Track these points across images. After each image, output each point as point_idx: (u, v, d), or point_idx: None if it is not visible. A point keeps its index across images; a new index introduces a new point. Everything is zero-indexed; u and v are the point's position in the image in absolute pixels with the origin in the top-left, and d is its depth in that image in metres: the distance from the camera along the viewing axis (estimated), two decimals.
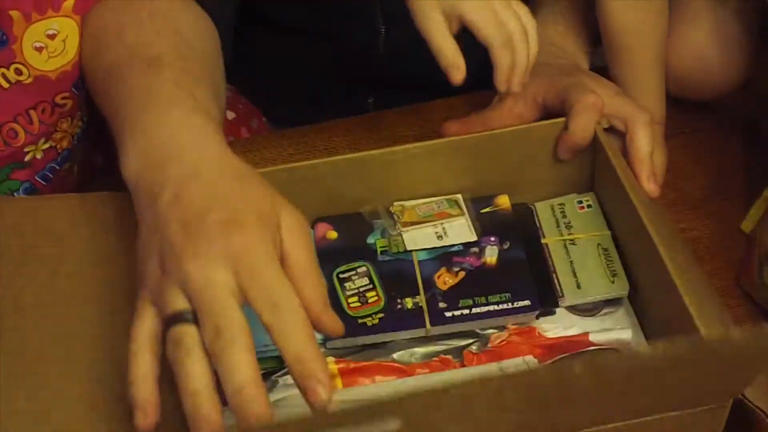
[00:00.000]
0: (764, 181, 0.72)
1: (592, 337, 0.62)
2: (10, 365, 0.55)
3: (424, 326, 0.64)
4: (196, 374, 0.46)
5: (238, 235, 0.48)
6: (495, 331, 0.64)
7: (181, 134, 0.55)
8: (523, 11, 0.67)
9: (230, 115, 0.91)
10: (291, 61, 0.93)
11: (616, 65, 0.76)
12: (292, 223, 0.52)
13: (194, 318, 0.47)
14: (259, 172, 0.67)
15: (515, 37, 0.66)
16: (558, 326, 0.64)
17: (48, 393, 0.54)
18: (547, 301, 0.66)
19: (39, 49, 0.62)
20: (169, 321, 0.48)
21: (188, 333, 0.47)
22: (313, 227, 0.70)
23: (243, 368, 0.45)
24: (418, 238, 0.69)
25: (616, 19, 0.74)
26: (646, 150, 0.68)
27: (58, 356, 0.56)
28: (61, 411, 0.53)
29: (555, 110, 0.71)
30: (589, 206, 0.71)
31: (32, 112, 0.65)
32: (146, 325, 0.49)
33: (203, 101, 0.58)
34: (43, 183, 0.72)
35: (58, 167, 0.71)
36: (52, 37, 0.62)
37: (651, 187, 0.68)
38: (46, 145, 0.68)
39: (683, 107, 0.80)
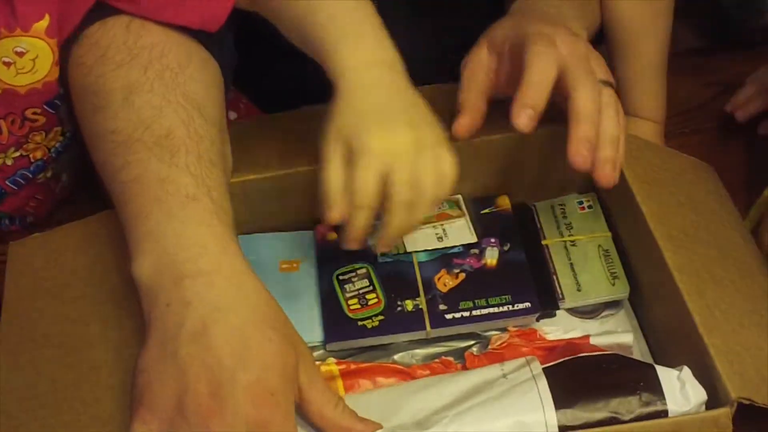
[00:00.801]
0: (764, 181, 0.72)
1: (593, 340, 0.61)
2: (27, 399, 0.56)
3: (425, 329, 0.64)
4: None
5: (266, 408, 0.50)
6: (496, 333, 0.64)
7: (200, 244, 0.53)
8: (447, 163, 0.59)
9: (232, 115, 0.90)
10: (294, 86, 0.92)
11: (618, 62, 0.75)
12: (309, 365, 0.53)
13: None
14: (258, 179, 0.68)
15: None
16: (559, 329, 0.64)
17: (64, 421, 0.55)
18: (547, 303, 0.66)
19: (7, 64, 0.61)
20: None
21: None
22: (314, 228, 0.70)
23: None
24: (418, 240, 0.68)
25: (621, 15, 0.73)
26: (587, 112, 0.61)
27: (68, 383, 0.56)
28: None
29: (516, 60, 0.65)
30: (590, 207, 0.71)
31: (1, 122, 0.64)
32: None
33: (219, 199, 0.56)
34: (14, 187, 0.70)
35: (31, 175, 0.70)
36: (20, 54, 0.60)
37: (577, 160, 0.60)
38: (17, 154, 0.67)
39: (683, 107, 0.80)
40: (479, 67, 0.67)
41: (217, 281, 0.52)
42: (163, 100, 0.59)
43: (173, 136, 0.57)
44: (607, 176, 0.61)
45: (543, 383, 0.56)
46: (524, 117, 0.60)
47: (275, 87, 0.93)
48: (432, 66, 0.70)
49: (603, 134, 0.61)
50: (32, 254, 0.64)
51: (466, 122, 0.67)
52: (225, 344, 0.50)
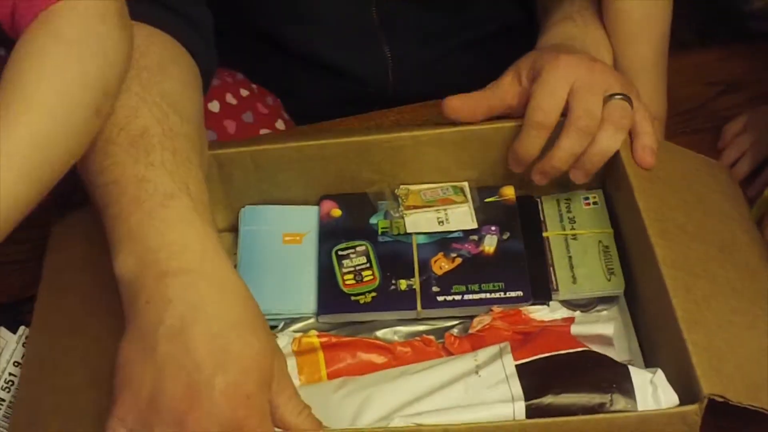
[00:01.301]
0: (764, 181, 0.70)
1: (574, 329, 0.61)
2: (47, 367, 0.59)
3: (416, 308, 0.65)
4: None
5: (243, 409, 0.49)
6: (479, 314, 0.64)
7: (181, 242, 0.53)
8: None
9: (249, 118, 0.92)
10: (304, 92, 0.94)
11: (618, 56, 0.75)
12: (281, 369, 0.53)
13: None
14: (269, 149, 0.70)
15: None
16: (546, 310, 0.64)
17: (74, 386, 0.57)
18: (540, 293, 0.65)
19: None
20: None
21: None
22: (319, 204, 0.72)
23: None
24: (420, 222, 0.69)
25: (619, 13, 0.73)
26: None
27: (89, 352, 0.59)
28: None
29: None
30: (595, 203, 0.70)
31: None
32: None
33: (198, 194, 0.56)
34: None
35: None
36: None
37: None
38: None
39: (683, 107, 0.79)
40: (497, 87, 0.70)
41: (199, 281, 0.52)
42: (139, 100, 0.59)
43: (148, 134, 0.57)
44: (578, 178, 0.67)
45: (515, 383, 0.56)
46: (518, 167, 0.68)
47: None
48: None
49: (593, 145, 0.65)
50: (70, 232, 0.66)
51: (456, 103, 0.69)
52: (203, 345, 0.50)
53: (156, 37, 0.64)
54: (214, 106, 0.87)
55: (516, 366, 0.57)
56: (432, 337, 0.63)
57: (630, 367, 0.57)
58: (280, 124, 0.92)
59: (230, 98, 0.89)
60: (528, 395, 0.55)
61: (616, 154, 0.67)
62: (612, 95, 0.66)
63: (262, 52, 0.91)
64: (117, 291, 0.54)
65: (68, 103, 0.54)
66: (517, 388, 0.55)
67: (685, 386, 0.55)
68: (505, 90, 0.69)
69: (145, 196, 0.55)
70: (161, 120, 0.58)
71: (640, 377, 0.56)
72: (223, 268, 0.54)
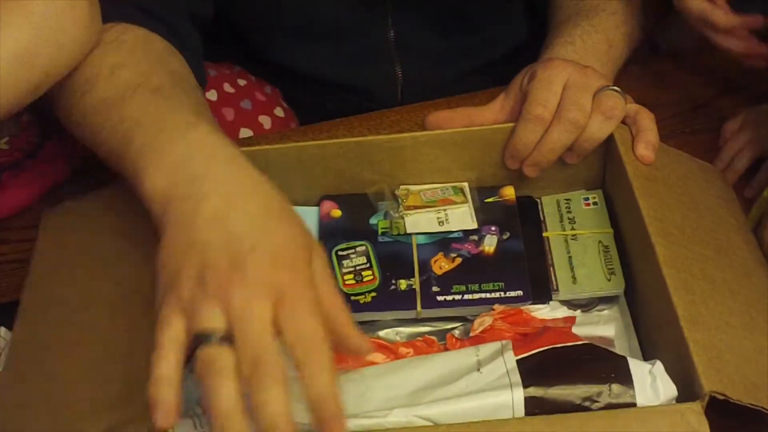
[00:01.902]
0: (766, 183, 0.70)
1: (575, 330, 0.61)
2: (33, 353, 0.58)
3: (415, 308, 0.65)
4: (228, 396, 0.47)
5: (286, 272, 0.50)
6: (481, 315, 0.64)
7: (210, 151, 0.55)
8: None
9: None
10: (310, 104, 0.95)
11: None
12: (320, 259, 0.53)
13: (226, 340, 0.48)
14: (269, 149, 0.70)
15: None
16: (546, 308, 0.64)
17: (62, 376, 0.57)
18: (540, 293, 0.65)
19: None
20: (201, 337, 0.49)
21: (222, 355, 0.48)
22: (319, 204, 0.72)
23: (276, 403, 0.47)
24: (420, 222, 0.69)
25: None
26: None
27: (74, 340, 0.58)
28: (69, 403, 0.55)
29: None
30: (595, 203, 0.70)
31: None
32: (174, 333, 0.50)
33: (215, 126, 0.60)
34: None
35: None
36: None
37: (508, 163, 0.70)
38: None
39: (683, 107, 0.80)
40: (486, 107, 0.72)
41: (232, 179, 0.54)
42: (150, 69, 0.62)
43: (164, 88, 0.61)
44: (570, 159, 0.69)
45: (515, 374, 0.56)
46: (514, 163, 0.70)
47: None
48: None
49: (583, 133, 0.67)
50: (62, 220, 0.66)
51: (438, 116, 0.72)
52: (242, 225, 0.51)
53: (153, 35, 0.67)
54: (212, 95, 0.88)
55: (516, 360, 0.57)
56: (434, 338, 0.63)
57: (629, 359, 0.57)
58: (279, 112, 0.92)
59: (228, 87, 0.89)
60: (526, 383, 0.55)
61: (617, 154, 0.67)
62: (603, 87, 0.67)
63: (268, 69, 0.91)
64: (109, 278, 0.57)
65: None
66: (516, 377, 0.56)
67: (686, 384, 0.55)
68: (493, 109, 0.72)
69: (169, 126, 0.57)
70: (173, 82, 0.62)
71: (639, 368, 0.56)
72: (252, 171, 0.55)
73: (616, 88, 0.68)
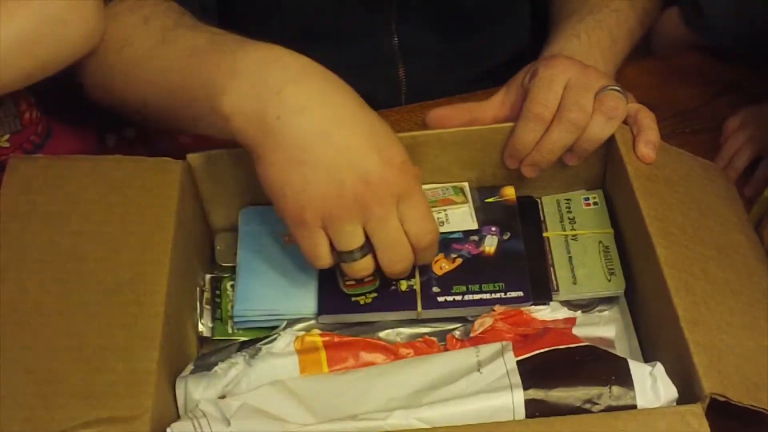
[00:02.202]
0: (764, 181, 0.70)
1: (575, 331, 0.61)
2: (7, 315, 0.57)
3: (416, 309, 0.65)
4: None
5: (402, 176, 0.57)
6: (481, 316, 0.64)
7: (282, 62, 0.58)
8: None
9: None
10: None
11: None
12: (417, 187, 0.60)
13: (366, 250, 0.59)
14: None
15: None
16: (547, 309, 0.64)
17: (40, 342, 0.56)
18: (541, 293, 0.65)
19: None
20: (347, 255, 0.59)
21: (366, 264, 0.60)
22: None
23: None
24: None
25: None
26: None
27: (54, 309, 0.58)
28: (51, 360, 0.56)
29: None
30: (595, 203, 0.70)
31: None
32: (325, 247, 0.59)
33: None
34: None
35: None
36: None
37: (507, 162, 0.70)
38: None
39: (683, 107, 0.79)
40: (487, 102, 0.72)
41: (320, 83, 0.58)
42: (180, 15, 0.67)
43: (200, 25, 0.65)
44: (570, 161, 0.68)
45: (515, 375, 0.56)
46: (513, 162, 0.69)
47: None
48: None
49: (584, 133, 0.66)
50: (34, 174, 0.64)
51: (438, 114, 0.71)
52: (351, 139, 0.56)
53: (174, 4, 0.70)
54: None
55: (517, 361, 0.57)
56: (435, 339, 0.63)
57: (629, 360, 0.57)
58: None
59: None
60: (527, 385, 0.55)
61: (617, 154, 0.67)
62: (604, 87, 0.67)
63: None
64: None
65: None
66: (516, 378, 0.56)
67: (686, 385, 0.55)
68: (493, 105, 0.71)
69: (228, 48, 0.60)
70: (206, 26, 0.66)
71: (640, 370, 0.56)
72: (332, 76, 0.59)
73: (617, 87, 0.67)
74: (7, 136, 0.71)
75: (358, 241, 0.58)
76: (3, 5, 0.61)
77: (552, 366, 0.56)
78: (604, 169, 0.72)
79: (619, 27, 0.79)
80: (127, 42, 0.66)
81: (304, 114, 0.56)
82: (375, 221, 0.57)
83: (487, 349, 0.58)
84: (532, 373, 0.56)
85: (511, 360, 0.57)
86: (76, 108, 0.77)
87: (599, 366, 0.56)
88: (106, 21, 0.67)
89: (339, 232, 0.57)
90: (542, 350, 0.57)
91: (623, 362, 0.56)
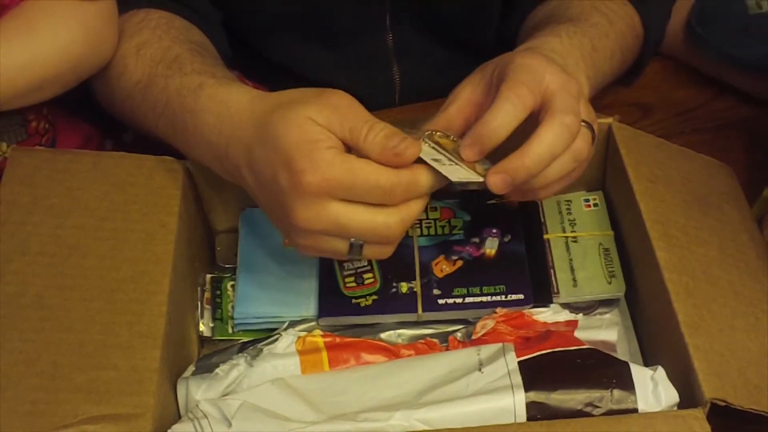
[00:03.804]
0: (765, 181, 0.70)
1: (577, 334, 0.61)
2: (8, 307, 0.57)
3: (416, 311, 0.65)
4: None
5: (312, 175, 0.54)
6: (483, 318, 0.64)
7: (216, 108, 0.61)
8: None
9: None
10: None
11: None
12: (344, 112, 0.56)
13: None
14: None
15: None
16: (548, 312, 0.64)
17: (41, 336, 0.56)
18: (541, 296, 0.65)
19: None
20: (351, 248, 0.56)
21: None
22: None
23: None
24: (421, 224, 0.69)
25: None
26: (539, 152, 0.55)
27: (55, 303, 0.58)
28: (53, 354, 0.56)
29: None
30: (595, 205, 0.70)
31: None
32: (330, 244, 0.56)
33: (224, 76, 0.65)
34: None
35: None
36: None
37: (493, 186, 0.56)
38: None
39: (683, 107, 0.79)
40: (453, 102, 0.61)
41: (236, 127, 0.59)
42: (171, 42, 0.68)
43: (181, 58, 0.67)
44: (526, 197, 0.60)
45: (516, 376, 0.56)
46: (470, 152, 0.57)
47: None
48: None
49: (547, 171, 0.57)
50: (36, 166, 0.64)
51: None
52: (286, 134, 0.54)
53: (177, 18, 0.73)
54: None
55: (518, 362, 0.57)
56: (436, 341, 0.63)
57: (631, 364, 0.57)
58: None
59: None
60: (528, 387, 0.55)
61: (617, 154, 0.67)
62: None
63: (265, 72, 0.91)
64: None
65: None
66: (517, 379, 0.56)
67: (687, 389, 0.55)
68: (463, 104, 0.61)
69: (186, 92, 0.63)
70: (192, 51, 0.68)
71: (641, 374, 0.56)
72: (269, 101, 0.58)
73: (588, 121, 0.58)
74: (12, 146, 0.71)
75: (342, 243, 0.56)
76: (54, 23, 0.65)
77: (553, 368, 0.56)
78: (604, 170, 0.72)
79: (600, 39, 0.73)
80: (124, 70, 0.70)
81: (228, 160, 0.59)
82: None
83: (489, 349, 0.58)
84: (534, 374, 0.56)
85: (512, 360, 0.57)
86: (76, 109, 0.78)
87: (601, 369, 0.56)
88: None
89: (318, 240, 0.56)
90: (544, 352, 0.57)
91: (625, 366, 0.56)
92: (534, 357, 0.57)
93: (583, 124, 0.58)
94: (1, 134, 0.71)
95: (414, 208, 0.56)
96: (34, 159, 0.65)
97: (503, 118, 0.55)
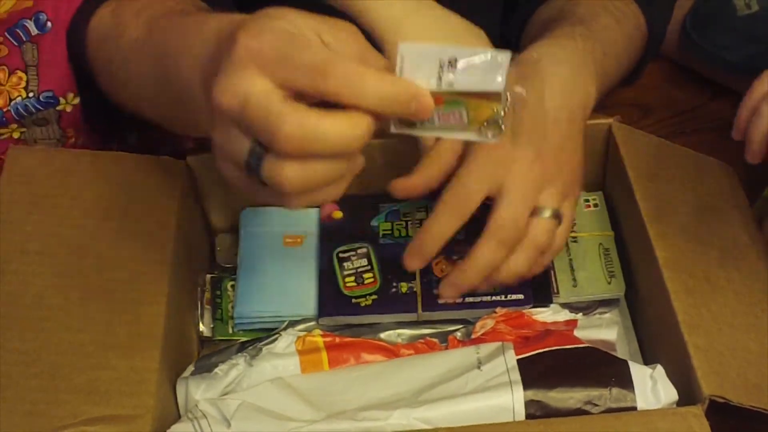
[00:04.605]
0: (765, 180, 0.70)
1: (577, 333, 0.61)
2: (8, 306, 0.57)
3: (416, 311, 0.65)
4: None
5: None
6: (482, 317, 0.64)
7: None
8: None
9: None
10: None
11: None
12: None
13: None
14: None
15: None
16: (548, 312, 0.64)
17: (41, 336, 0.56)
18: (541, 296, 0.65)
19: None
20: None
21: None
22: (320, 206, 0.72)
23: None
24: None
25: None
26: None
27: (55, 303, 0.58)
28: (52, 354, 0.56)
29: None
30: (595, 205, 0.70)
31: None
32: None
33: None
34: None
35: None
36: None
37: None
38: None
39: (683, 107, 0.79)
40: (435, 153, 0.61)
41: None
42: (175, 3, 0.61)
43: (186, 11, 0.60)
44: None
45: (515, 373, 0.56)
46: (415, 261, 0.60)
47: None
48: None
49: (509, 266, 0.59)
50: (34, 165, 0.64)
51: (400, 186, 0.62)
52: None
53: None
54: None
55: (517, 360, 0.57)
56: (436, 340, 0.63)
57: (630, 362, 0.57)
58: None
59: None
60: (527, 385, 0.55)
61: (617, 154, 0.67)
62: (541, 210, 0.59)
63: None
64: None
65: None
66: (516, 377, 0.56)
67: (686, 387, 0.55)
68: (441, 156, 0.61)
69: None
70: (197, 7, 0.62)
71: (640, 372, 0.56)
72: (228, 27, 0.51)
73: (554, 211, 0.60)
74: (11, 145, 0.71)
75: None
76: None
77: (552, 366, 0.56)
78: (604, 170, 0.72)
79: (610, 44, 0.73)
80: (123, 31, 0.63)
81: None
82: None
83: (488, 347, 0.58)
84: (533, 371, 0.56)
85: (511, 358, 0.57)
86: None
87: (600, 368, 0.56)
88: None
89: (225, 133, 0.48)
90: (543, 350, 0.57)
91: (624, 364, 0.56)
92: (533, 355, 0.57)
93: (546, 215, 0.59)
94: (38, 142, 0.71)
95: (350, 122, 0.44)
96: (32, 158, 0.65)
97: (441, 230, 0.59)
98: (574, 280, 0.66)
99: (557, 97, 0.62)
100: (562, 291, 0.66)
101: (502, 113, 0.47)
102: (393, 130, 0.48)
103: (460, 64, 0.46)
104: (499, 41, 0.86)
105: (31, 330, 0.57)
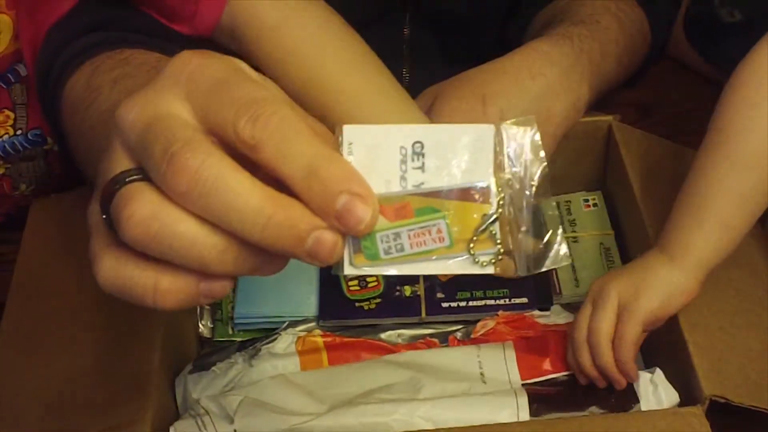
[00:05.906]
0: None
1: None
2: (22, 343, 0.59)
3: (420, 314, 0.65)
4: None
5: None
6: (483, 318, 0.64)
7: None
8: None
9: None
10: None
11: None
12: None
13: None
14: None
15: None
16: (549, 313, 0.64)
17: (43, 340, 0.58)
18: (544, 298, 0.66)
19: None
20: None
21: None
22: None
23: None
24: None
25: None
26: None
27: (65, 338, 0.59)
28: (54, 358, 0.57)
29: None
30: (595, 205, 0.71)
31: None
32: None
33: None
34: None
35: None
36: None
37: None
38: None
39: (683, 107, 0.79)
40: None
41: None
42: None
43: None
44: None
45: (523, 398, 0.56)
46: None
47: None
48: None
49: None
50: (50, 213, 0.66)
51: None
52: None
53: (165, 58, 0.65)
54: None
55: (522, 384, 0.58)
56: (436, 340, 0.63)
57: None
58: None
59: None
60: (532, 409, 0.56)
61: (617, 154, 0.68)
62: None
63: None
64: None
65: None
66: (523, 399, 0.56)
67: (687, 387, 0.55)
68: None
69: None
70: None
71: (641, 378, 0.56)
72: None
73: None
74: (32, 187, 0.72)
75: None
76: None
77: (557, 395, 0.57)
78: (603, 170, 0.72)
79: (609, 45, 0.73)
80: (95, 100, 0.60)
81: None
82: None
83: (488, 351, 0.59)
84: (537, 394, 0.57)
85: (512, 358, 0.58)
86: None
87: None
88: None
89: None
90: (547, 377, 0.58)
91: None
92: (538, 382, 0.58)
93: None
94: (23, 177, 0.72)
95: None
96: (47, 209, 0.67)
97: None
98: (576, 279, 0.67)
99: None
100: (564, 290, 0.66)
101: (496, 216, 0.34)
102: (346, 271, 0.35)
103: (429, 149, 0.33)
104: (499, 46, 0.87)
105: (46, 366, 0.57)
